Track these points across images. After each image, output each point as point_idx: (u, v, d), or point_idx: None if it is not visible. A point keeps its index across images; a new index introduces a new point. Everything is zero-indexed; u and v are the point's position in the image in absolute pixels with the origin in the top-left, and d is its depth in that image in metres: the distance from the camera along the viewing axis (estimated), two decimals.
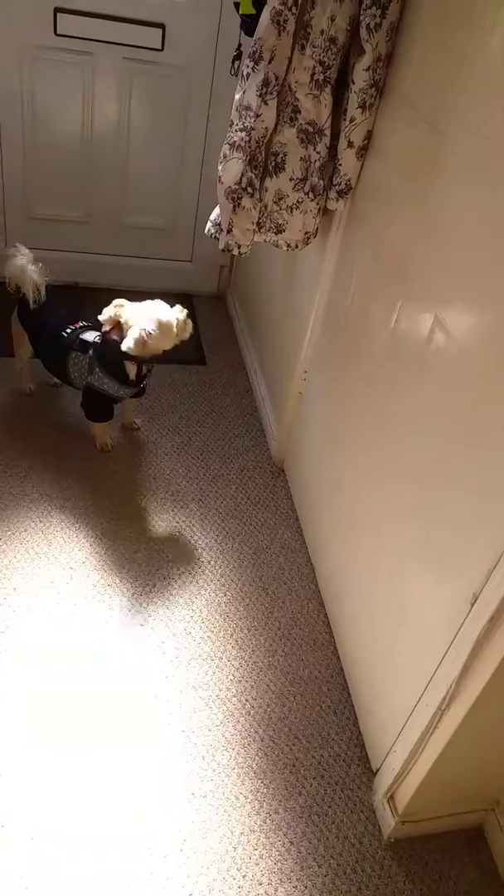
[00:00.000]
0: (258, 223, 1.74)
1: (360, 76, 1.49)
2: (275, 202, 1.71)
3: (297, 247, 1.80)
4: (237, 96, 1.60)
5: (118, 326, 1.89)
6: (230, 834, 1.42)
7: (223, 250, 1.82)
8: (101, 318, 1.91)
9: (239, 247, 1.79)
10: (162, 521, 2.02)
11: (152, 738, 1.54)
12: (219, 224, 1.82)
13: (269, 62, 1.52)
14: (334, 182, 1.67)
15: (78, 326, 2.03)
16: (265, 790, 1.50)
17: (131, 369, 1.95)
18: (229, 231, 1.76)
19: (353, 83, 1.51)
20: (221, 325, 2.89)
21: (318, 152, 1.63)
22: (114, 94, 2.47)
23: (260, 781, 1.51)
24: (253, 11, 1.59)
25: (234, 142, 1.63)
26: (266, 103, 1.56)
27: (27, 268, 1.99)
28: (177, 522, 2.03)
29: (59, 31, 2.28)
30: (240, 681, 1.68)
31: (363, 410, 1.65)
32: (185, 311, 1.90)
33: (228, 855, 1.39)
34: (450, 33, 1.28)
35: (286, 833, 1.44)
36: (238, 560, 1.96)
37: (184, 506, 2.08)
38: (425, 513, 1.34)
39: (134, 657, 1.68)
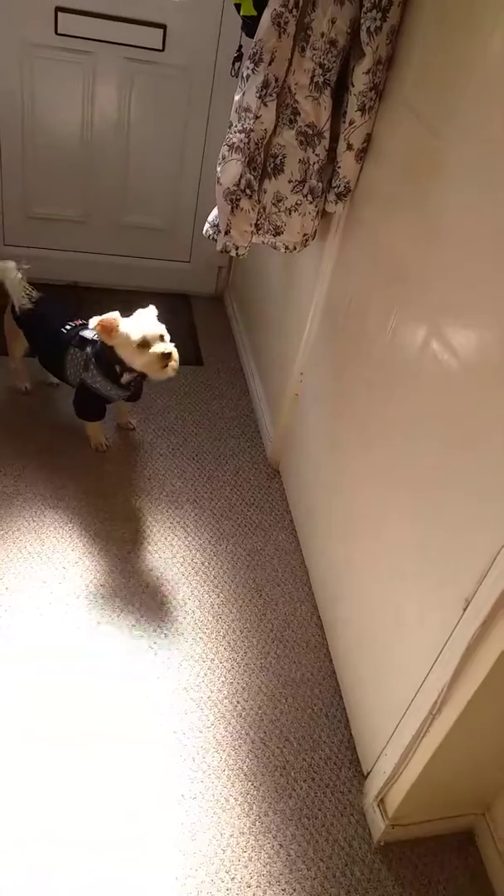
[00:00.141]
0: (256, 225, 1.74)
1: (360, 79, 1.49)
2: (273, 204, 1.71)
3: (295, 249, 1.80)
4: (237, 98, 1.60)
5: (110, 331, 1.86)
6: (220, 836, 1.42)
7: (221, 251, 1.82)
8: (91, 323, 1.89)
9: (237, 248, 1.79)
10: (156, 522, 2.02)
11: (143, 738, 1.54)
12: (217, 225, 1.82)
13: (270, 64, 1.52)
14: (333, 184, 1.66)
15: (77, 323, 2.03)
16: (255, 792, 1.49)
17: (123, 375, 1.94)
18: (227, 232, 1.76)
19: (353, 86, 1.51)
20: (219, 326, 2.89)
21: (317, 155, 1.63)
22: (114, 94, 2.47)
23: (250, 783, 1.50)
24: (254, 13, 1.59)
25: (234, 143, 1.63)
26: (265, 105, 1.56)
27: (14, 273, 1.99)
28: (171, 523, 2.02)
29: (59, 31, 2.28)
30: (231, 682, 1.67)
31: (360, 413, 1.64)
32: (172, 345, 1.85)
33: (217, 857, 1.38)
34: (450, 36, 1.29)
35: (276, 835, 1.44)
36: (232, 562, 1.96)
37: (178, 507, 2.08)
38: (422, 517, 1.34)
39: (126, 658, 1.67)
